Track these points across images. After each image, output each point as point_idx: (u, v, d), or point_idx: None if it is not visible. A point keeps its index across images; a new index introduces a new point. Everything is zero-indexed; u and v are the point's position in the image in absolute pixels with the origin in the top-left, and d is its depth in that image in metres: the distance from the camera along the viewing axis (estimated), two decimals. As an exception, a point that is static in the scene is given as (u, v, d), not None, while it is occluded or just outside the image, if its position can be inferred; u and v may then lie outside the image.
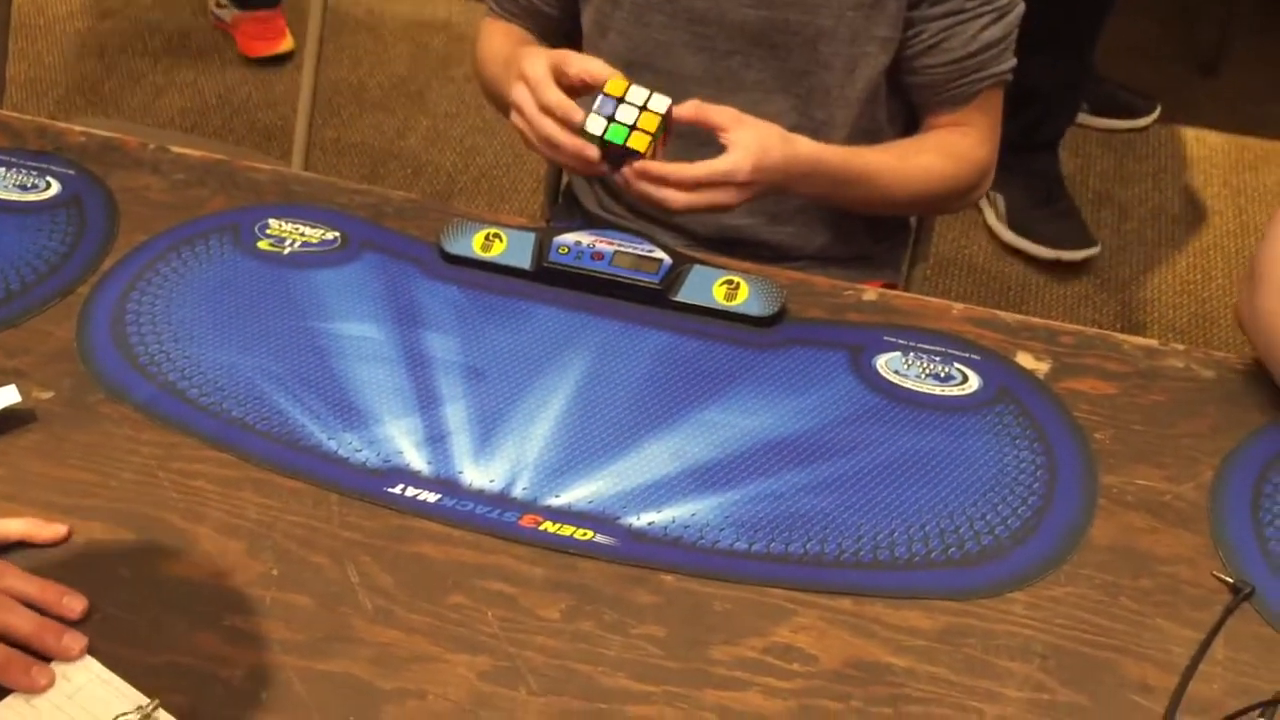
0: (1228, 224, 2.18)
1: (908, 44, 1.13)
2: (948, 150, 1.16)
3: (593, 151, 1.02)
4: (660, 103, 1.02)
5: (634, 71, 1.16)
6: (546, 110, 1.03)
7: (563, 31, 1.23)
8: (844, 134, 1.15)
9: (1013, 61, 1.15)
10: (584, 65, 1.05)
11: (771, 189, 1.07)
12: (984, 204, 2.14)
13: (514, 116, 1.07)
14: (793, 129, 1.09)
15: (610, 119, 1.01)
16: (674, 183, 1.02)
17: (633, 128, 1.01)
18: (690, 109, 1.03)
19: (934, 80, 1.15)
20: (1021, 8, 1.14)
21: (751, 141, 1.03)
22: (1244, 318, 0.96)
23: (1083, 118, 2.30)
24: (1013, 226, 2.11)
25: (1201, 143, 2.33)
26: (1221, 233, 2.17)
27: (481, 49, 1.25)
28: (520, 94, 1.06)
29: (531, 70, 1.05)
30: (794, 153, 1.06)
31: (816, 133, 1.12)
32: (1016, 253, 2.10)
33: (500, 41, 1.23)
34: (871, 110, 1.17)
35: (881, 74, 1.14)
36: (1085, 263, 2.09)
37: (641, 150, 1.01)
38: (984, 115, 1.17)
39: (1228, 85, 2.45)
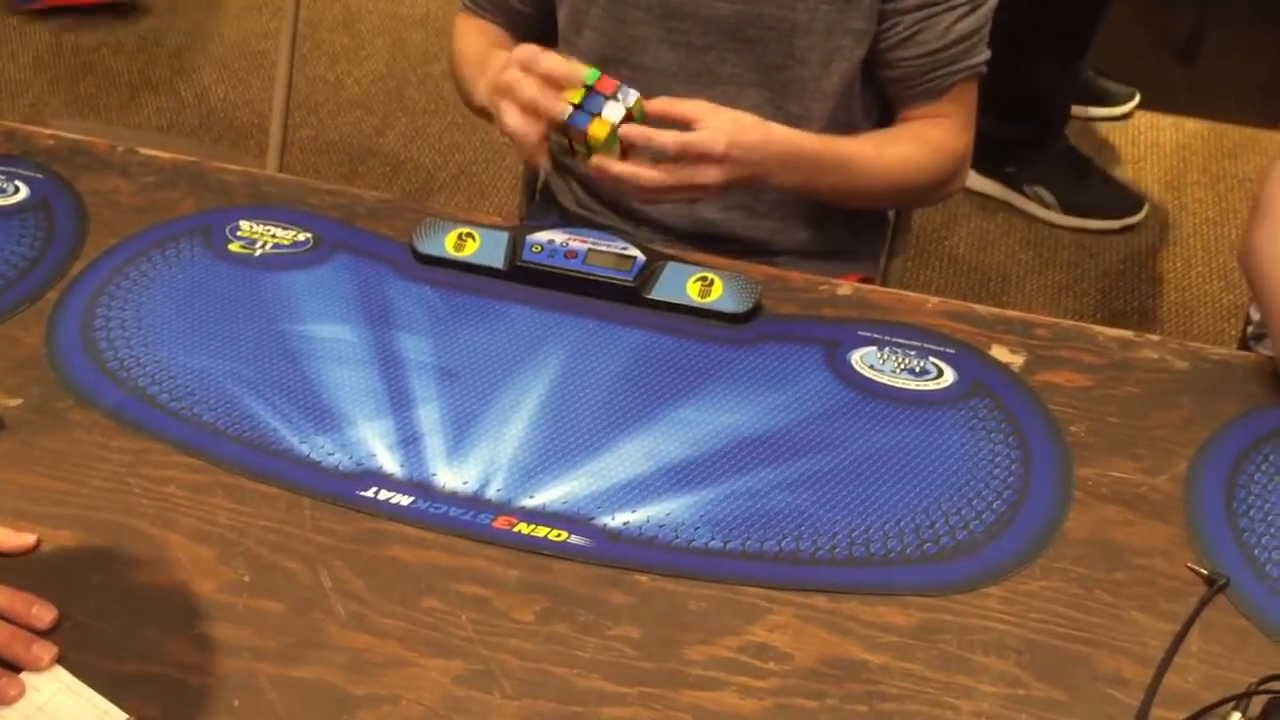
0: (1207, 211, 2.19)
1: (882, 36, 1.13)
2: (924, 140, 1.16)
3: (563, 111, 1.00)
4: (628, 96, 1.01)
5: (609, 67, 1.15)
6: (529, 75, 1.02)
7: (537, 30, 1.23)
8: (819, 127, 1.15)
9: (986, 54, 1.15)
10: (551, 62, 1.03)
11: (749, 172, 1.05)
12: (1031, 204, 2.16)
13: (491, 96, 1.05)
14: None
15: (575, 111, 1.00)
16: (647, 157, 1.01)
17: (595, 115, 1.00)
18: (660, 103, 1.03)
19: (908, 73, 1.15)
20: (994, 0, 1.13)
21: (725, 121, 1.03)
22: (1242, 255, 0.97)
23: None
24: (1070, 212, 2.14)
25: (1180, 130, 2.34)
26: (1201, 220, 2.17)
27: (456, 47, 1.24)
28: (509, 73, 1.03)
29: (519, 51, 1.04)
30: (770, 134, 1.06)
31: (792, 126, 1.12)
32: (1053, 239, 2.13)
33: (473, 40, 1.22)
34: (847, 103, 1.17)
35: (857, 67, 1.14)
36: (1064, 252, 2.10)
37: (600, 136, 1.00)
38: (959, 107, 1.17)
39: (1205, 73, 2.45)
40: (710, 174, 1.03)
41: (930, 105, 1.16)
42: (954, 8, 1.11)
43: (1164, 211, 2.19)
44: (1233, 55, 2.46)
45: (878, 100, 1.20)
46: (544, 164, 1.05)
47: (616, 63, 1.15)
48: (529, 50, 1.03)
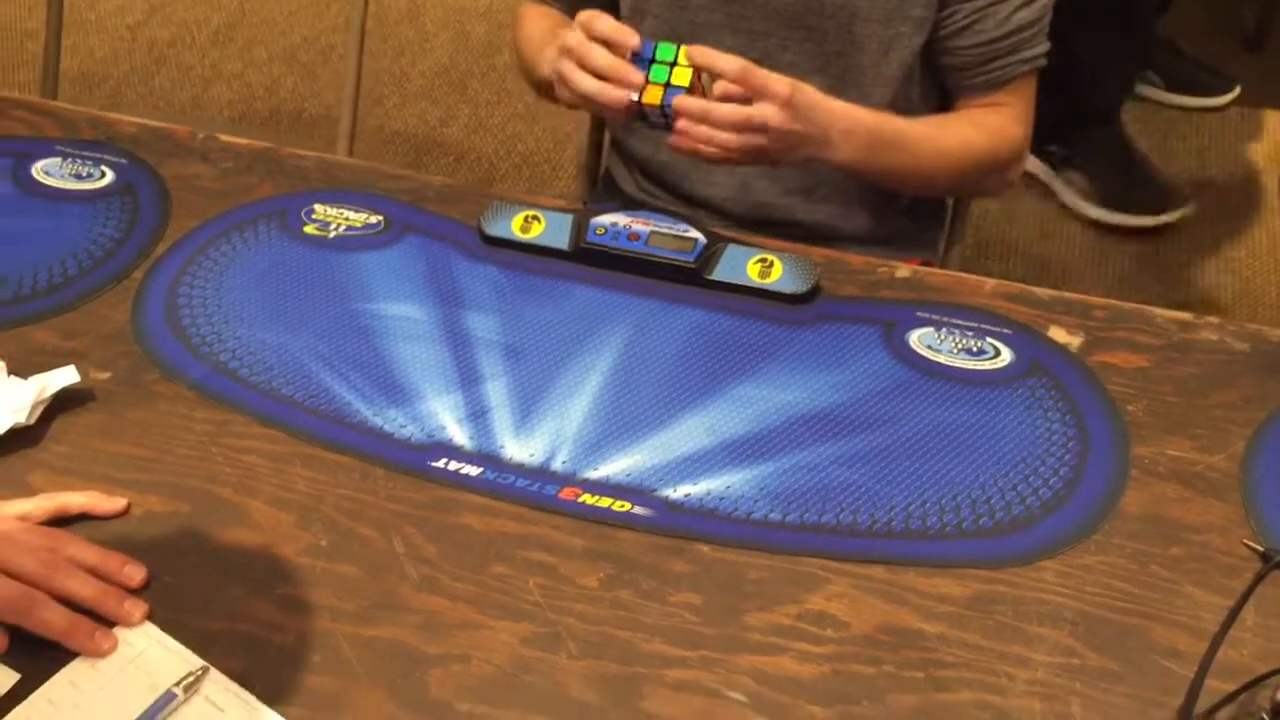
0: (1272, 200, 2.16)
1: (942, 24, 1.14)
2: (981, 125, 1.17)
3: (636, 77, 1.02)
4: (688, 55, 1.02)
5: None
6: (595, 39, 1.04)
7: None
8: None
9: (1046, 46, 1.16)
10: (606, 25, 1.05)
11: (808, 131, 1.05)
12: (1062, 188, 2.13)
13: (558, 62, 1.06)
14: None
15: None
16: (715, 120, 1.01)
17: (670, 73, 1.02)
18: (735, 67, 1.02)
19: (967, 62, 1.16)
20: None
21: (783, 81, 1.03)
22: None
23: (1159, 94, 2.28)
24: (1104, 204, 2.11)
25: (1246, 119, 2.31)
26: (1267, 209, 2.15)
27: (520, 34, 1.27)
28: (570, 36, 1.06)
29: (581, 16, 1.06)
30: (829, 101, 1.07)
31: None
32: (1115, 229, 2.10)
33: (537, 24, 1.24)
34: (906, 90, 1.18)
35: (916, 54, 1.15)
36: (1126, 242, 2.09)
37: (686, 85, 1.02)
38: (1017, 98, 1.18)
39: (1273, 61, 2.42)
40: (773, 114, 1.02)
41: (989, 95, 1.17)
42: None
43: (1229, 200, 2.17)
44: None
45: (937, 89, 1.21)
46: (622, 118, 1.06)
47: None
48: (588, 13, 1.06)
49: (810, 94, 1.05)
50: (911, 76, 1.17)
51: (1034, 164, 2.15)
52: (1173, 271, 2.05)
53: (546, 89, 1.15)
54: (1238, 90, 2.29)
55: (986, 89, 1.17)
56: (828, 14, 1.12)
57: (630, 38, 1.03)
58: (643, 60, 1.03)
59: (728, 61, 1.01)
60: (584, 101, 1.06)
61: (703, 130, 1.02)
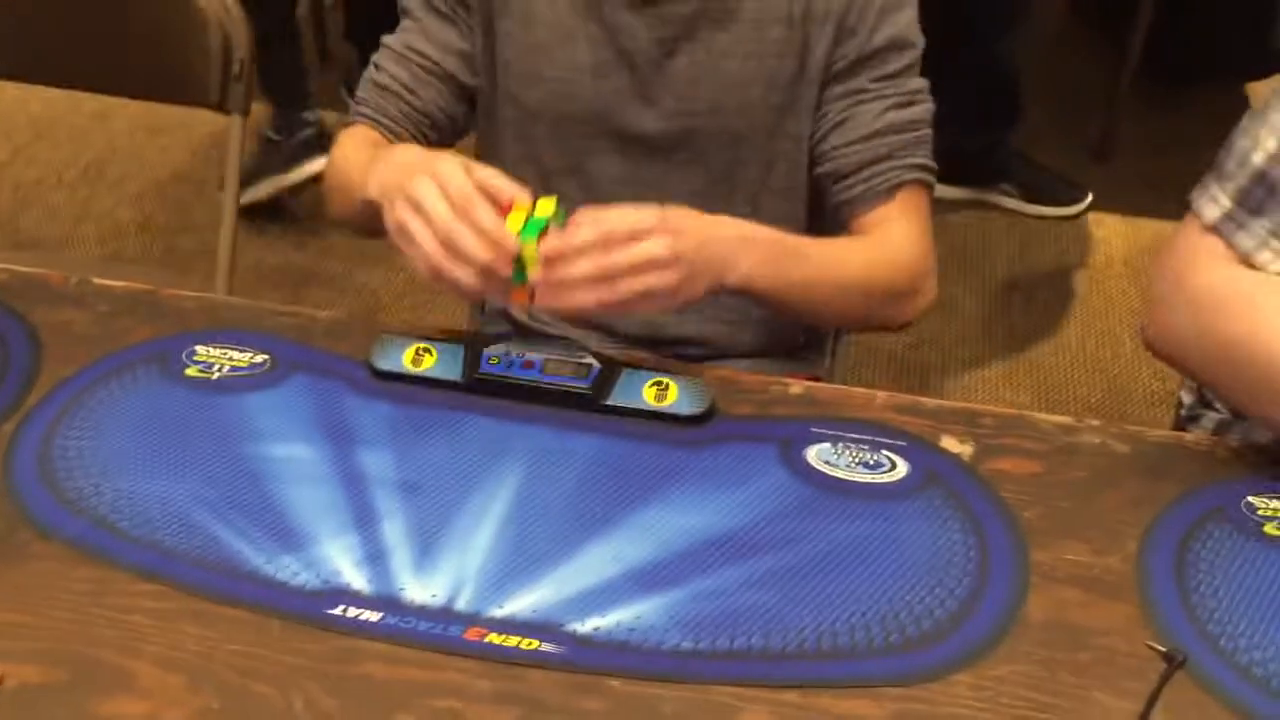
0: (1131, 302, 2.27)
1: (815, 128, 1.15)
2: (879, 243, 1.13)
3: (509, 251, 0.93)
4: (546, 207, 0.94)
5: (556, 178, 1.18)
6: (464, 206, 0.93)
7: (438, 145, 1.17)
8: (769, 223, 1.18)
9: (930, 161, 1.14)
10: (486, 176, 0.95)
11: (702, 255, 0.98)
12: (1002, 198, 2.40)
13: (406, 217, 0.94)
14: None
15: None
16: (605, 270, 0.93)
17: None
18: (591, 226, 0.94)
19: (842, 167, 1.13)
20: (930, 107, 1.14)
21: (646, 210, 0.96)
22: (1157, 341, 1.03)
23: (1016, 204, 2.40)
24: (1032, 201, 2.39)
25: (1100, 225, 2.43)
26: (1126, 310, 2.25)
27: (337, 154, 1.14)
28: (425, 189, 0.93)
29: (444, 168, 0.94)
30: (714, 217, 1.01)
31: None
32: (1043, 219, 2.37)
33: (359, 147, 1.13)
34: (794, 205, 1.18)
35: (802, 169, 1.17)
36: (997, 345, 2.16)
37: (532, 255, 0.93)
38: (906, 215, 1.13)
39: (1119, 170, 2.56)
40: (665, 274, 0.94)
41: (874, 209, 1.13)
42: (883, 97, 1.12)
43: (1090, 304, 2.27)
44: (1144, 154, 2.57)
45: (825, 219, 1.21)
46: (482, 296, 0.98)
47: (564, 172, 1.18)
48: (454, 166, 0.94)
49: (685, 212, 0.99)
50: (798, 191, 1.18)
51: (962, 192, 2.39)
52: (1044, 371, 2.13)
53: (365, 216, 1.02)
54: (1089, 198, 2.42)
55: (868, 200, 1.13)
56: (709, 136, 1.15)
57: (519, 195, 0.94)
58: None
59: (584, 231, 0.94)
60: (433, 254, 0.93)
61: (579, 276, 0.93)
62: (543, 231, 0.94)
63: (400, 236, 0.96)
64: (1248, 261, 0.98)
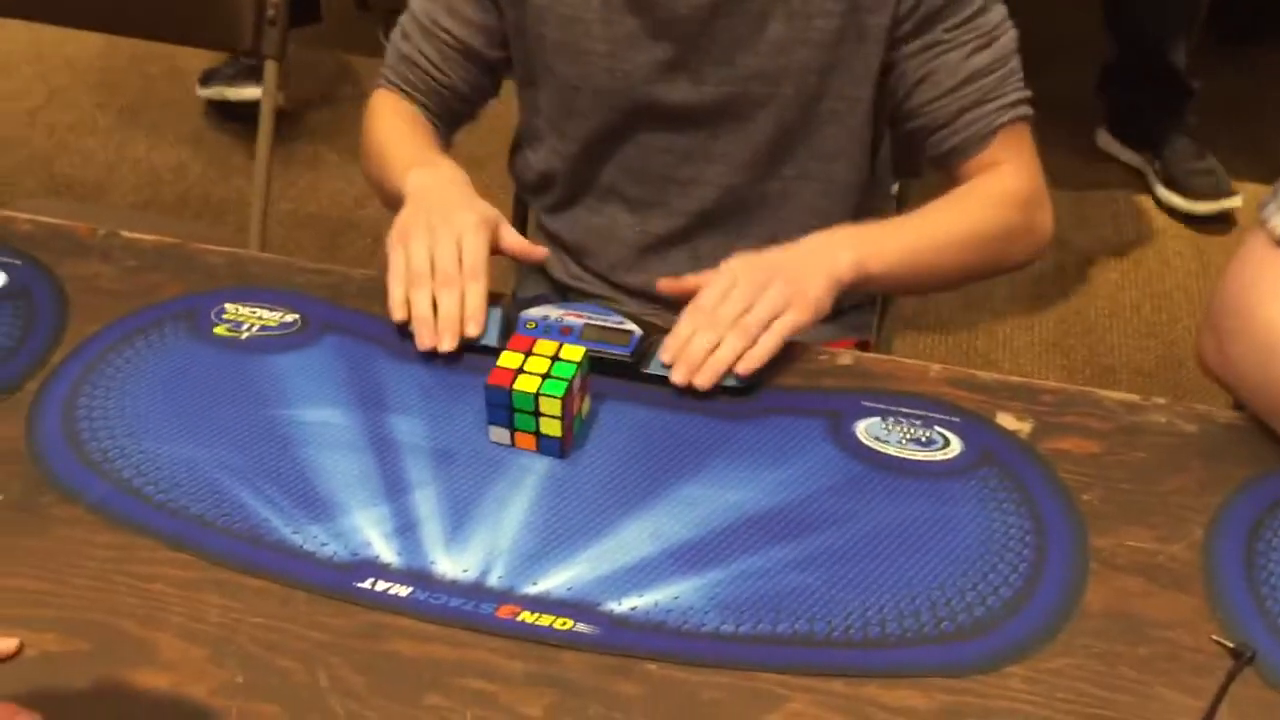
0: (1188, 265, 2.20)
1: (895, 87, 1.10)
2: (981, 190, 1.09)
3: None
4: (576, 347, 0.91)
5: (597, 148, 1.15)
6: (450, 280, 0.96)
7: (464, 115, 1.20)
8: (820, 187, 1.14)
9: (1024, 92, 1.09)
10: (517, 242, 1.00)
11: (796, 264, 0.99)
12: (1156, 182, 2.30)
13: (402, 258, 0.97)
14: (774, 195, 1.09)
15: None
16: (714, 321, 0.95)
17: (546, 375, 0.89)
18: (667, 283, 1.01)
19: (935, 120, 1.09)
20: (1013, 34, 1.09)
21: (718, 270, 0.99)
22: (1219, 368, 0.95)
23: (1158, 186, 2.29)
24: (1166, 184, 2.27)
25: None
26: (1183, 274, 2.18)
27: (375, 123, 1.15)
28: (444, 248, 0.97)
29: (471, 236, 0.97)
30: (795, 243, 1.01)
31: (786, 187, 1.12)
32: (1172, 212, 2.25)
33: (397, 119, 1.15)
34: (848, 170, 1.15)
35: (855, 132, 1.12)
36: (1050, 308, 2.10)
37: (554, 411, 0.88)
38: (1012, 152, 1.09)
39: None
40: (730, 267, 0.98)
41: (975, 156, 1.09)
42: (962, 44, 1.06)
43: (1147, 268, 2.19)
44: (1209, 119, 2.45)
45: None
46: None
47: (606, 143, 1.14)
48: (495, 216, 0.99)
49: (758, 254, 1.00)
50: (853, 157, 1.14)
51: (1129, 155, 2.34)
52: (1098, 336, 2.07)
53: (397, 204, 1.04)
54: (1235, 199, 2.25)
55: (969, 148, 1.09)
56: (756, 103, 1.10)
57: (536, 254, 0.99)
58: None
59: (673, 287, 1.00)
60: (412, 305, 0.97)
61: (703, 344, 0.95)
62: (569, 387, 0.89)
63: (393, 273, 0.98)
64: None
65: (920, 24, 1.07)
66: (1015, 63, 1.09)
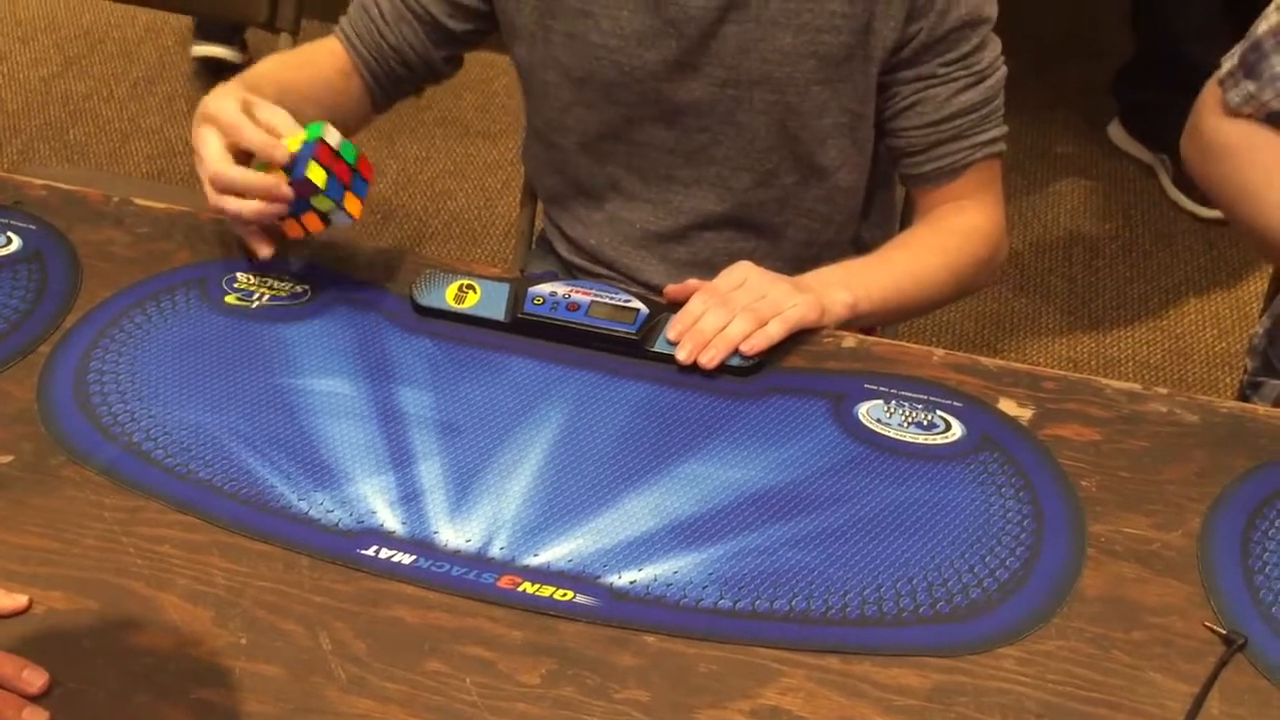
0: (1198, 259, 2.19)
1: (884, 106, 1.12)
2: (952, 225, 1.13)
3: (283, 188, 0.95)
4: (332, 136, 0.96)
5: (603, 144, 1.15)
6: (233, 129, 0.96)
7: (406, 81, 1.18)
8: (822, 192, 1.15)
9: (1002, 129, 1.12)
10: (271, 115, 0.97)
11: (820, 286, 1.02)
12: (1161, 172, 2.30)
13: (200, 125, 0.99)
14: (773, 200, 1.11)
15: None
16: (725, 305, 0.97)
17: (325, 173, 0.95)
18: (672, 291, 1.02)
19: (913, 145, 1.12)
20: (1003, 71, 1.11)
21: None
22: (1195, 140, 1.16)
23: (1166, 182, 2.29)
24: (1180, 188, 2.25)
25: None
26: (1192, 268, 2.18)
27: (276, 61, 1.15)
28: (205, 137, 0.98)
29: (222, 109, 0.97)
30: (805, 274, 1.05)
31: (790, 194, 1.13)
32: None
33: (289, 58, 1.16)
34: (851, 178, 1.16)
35: (857, 145, 1.14)
36: (1056, 299, 2.10)
37: (319, 183, 0.94)
38: (979, 189, 1.13)
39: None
40: (736, 268, 1.01)
41: (945, 186, 1.13)
42: (953, 80, 1.09)
43: (1156, 260, 2.19)
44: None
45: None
46: (262, 251, 0.99)
47: (610, 139, 1.14)
48: (227, 103, 0.98)
49: (754, 266, 1.03)
50: (852, 170, 1.15)
51: (1137, 148, 2.33)
52: (1104, 328, 2.07)
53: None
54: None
55: (939, 178, 1.13)
56: (759, 110, 1.10)
57: (278, 153, 0.95)
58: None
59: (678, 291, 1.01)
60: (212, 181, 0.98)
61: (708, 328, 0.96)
62: (318, 150, 0.95)
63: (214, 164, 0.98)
64: (1236, 115, 1.11)
65: (918, 52, 1.08)
66: (999, 100, 1.12)
